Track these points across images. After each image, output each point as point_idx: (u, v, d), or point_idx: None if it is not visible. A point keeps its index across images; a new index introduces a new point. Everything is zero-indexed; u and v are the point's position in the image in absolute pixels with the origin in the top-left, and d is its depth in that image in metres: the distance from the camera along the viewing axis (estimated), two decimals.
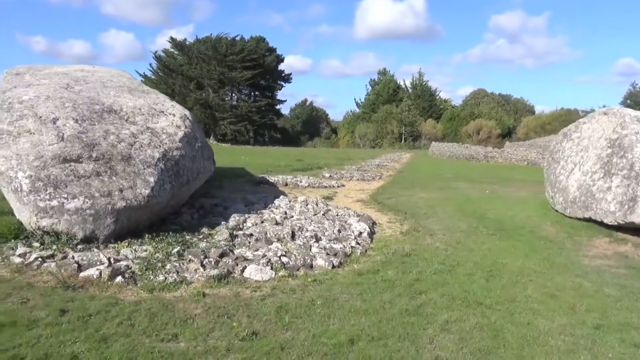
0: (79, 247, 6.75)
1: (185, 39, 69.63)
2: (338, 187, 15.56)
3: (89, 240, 6.90)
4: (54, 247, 6.58)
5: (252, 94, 73.77)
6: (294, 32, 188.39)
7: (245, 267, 6.25)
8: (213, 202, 10.34)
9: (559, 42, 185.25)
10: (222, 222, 8.64)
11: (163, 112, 9.67)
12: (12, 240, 6.73)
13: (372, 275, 6.12)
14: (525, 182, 19.21)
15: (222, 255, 6.71)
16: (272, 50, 73.68)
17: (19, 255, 6.18)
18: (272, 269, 6.35)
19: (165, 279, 5.79)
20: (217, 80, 66.63)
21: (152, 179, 7.62)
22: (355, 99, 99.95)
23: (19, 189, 6.76)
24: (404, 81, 79.19)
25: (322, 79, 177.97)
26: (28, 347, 3.63)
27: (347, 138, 72.38)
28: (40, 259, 6.08)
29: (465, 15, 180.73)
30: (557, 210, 10.61)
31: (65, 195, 6.76)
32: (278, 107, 76.22)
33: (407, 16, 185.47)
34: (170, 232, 7.69)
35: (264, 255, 6.82)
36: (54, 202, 6.66)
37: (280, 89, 76.22)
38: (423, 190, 14.45)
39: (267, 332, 4.16)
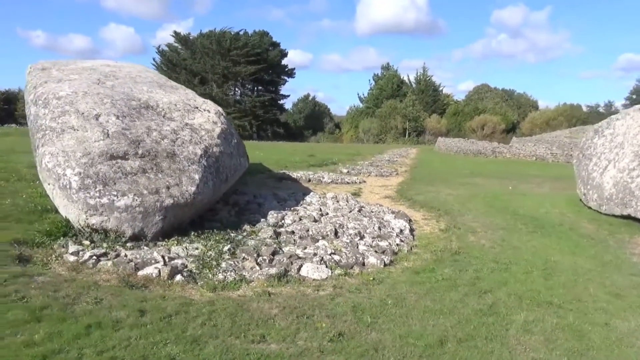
0: (129, 244, 6.70)
1: (189, 33, 69.51)
2: (360, 183, 15.50)
3: (137, 238, 6.85)
4: (105, 245, 6.52)
5: (256, 88, 73.58)
6: (295, 26, 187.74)
7: (301, 266, 6.19)
8: (245, 199, 10.28)
9: (561, 37, 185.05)
10: (262, 219, 8.57)
11: (197, 107, 9.59)
12: (61, 238, 6.66)
13: (430, 273, 6.07)
14: (543, 178, 19.17)
15: (274, 254, 6.66)
16: (275, 44, 73.42)
17: (72, 254, 6.13)
18: (326, 267, 6.30)
19: (225, 277, 5.74)
20: (221, 74, 66.42)
21: (197, 176, 7.55)
22: (358, 94, 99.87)
23: (67, 186, 6.69)
24: (408, 76, 79.10)
25: (322, 73, 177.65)
26: (122, 348, 3.58)
27: (351, 133, 72.23)
28: (94, 258, 6.02)
29: (467, 10, 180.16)
30: (590, 207, 10.57)
31: (115, 193, 6.70)
32: (281, 102, 76.09)
33: (409, 11, 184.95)
34: (215, 230, 7.65)
35: (315, 254, 6.77)
36: (104, 200, 6.60)
37: (283, 84, 76.12)
38: (446, 187, 14.39)
39: (353, 333, 4.11)
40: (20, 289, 4.70)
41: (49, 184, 7.26)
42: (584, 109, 73.71)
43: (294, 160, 21.91)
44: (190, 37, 69.33)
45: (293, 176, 14.98)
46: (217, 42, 66.57)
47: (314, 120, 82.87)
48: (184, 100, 9.71)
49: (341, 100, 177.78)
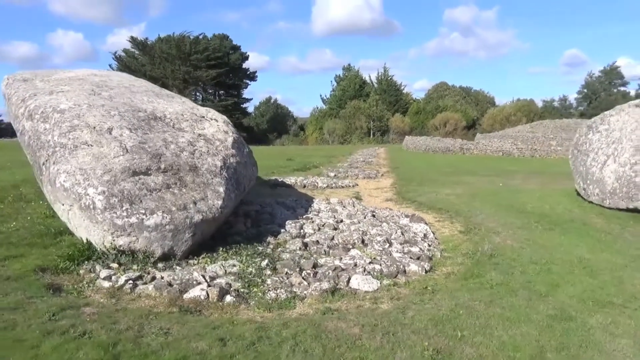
0: (160, 265, 6.35)
1: (146, 38, 67.70)
2: (353, 186, 15.41)
3: (166, 258, 6.50)
4: (135, 267, 6.16)
5: (218, 93, 72.51)
6: (251, 29, 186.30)
7: (349, 278, 6.01)
8: (254, 209, 9.97)
9: (509, 34, 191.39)
10: (282, 230, 8.32)
11: (204, 117, 9.23)
12: (86, 262, 6.23)
13: (479, 279, 6.01)
14: (523, 173, 19.67)
15: (314, 266, 6.46)
16: (236, 48, 72.65)
17: (105, 279, 5.74)
18: (372, 277, 6.14)
19: (277, 295, 5.49)
20: (182, 80, 65.03)
21: (221, 189, 7.25)
22: (321, 95, 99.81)
23: (91, 206, 6.26)
24: (369, 76, 79.82)
25: (280, 75, 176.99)
26: None
27: (316, 135, 72.19)
28: (131, 282, 5.65)
29: (420, 9, 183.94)
30: (591, 202, 10.84)
31: (143, 211, 6.33)
32: (244, 105, 75.29)
33: (364, 11, 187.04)
34: (241, 244, 7.37)
35: (355, 264, 6.61)
36: (133, 219, 6.22)
37: (245, 88, 75.44)
38: (440, 187, 14.48)
39: (450, 349, 3.98)
40: (75, 323, 4.32)
41: (63, 205, 6.79)
42: (540, 103, 76.48)
43: (275, 164, 21.60)
44: (148, 42, 67.54)
45: (287, 182, 14.72)
46: (176, 46, 65.17)
47: (277, 123, 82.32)
48: (189, 110, 9.33)
49: (300, 102, 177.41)
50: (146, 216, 6.29)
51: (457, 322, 4.56)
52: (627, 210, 9.68)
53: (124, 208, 6.28)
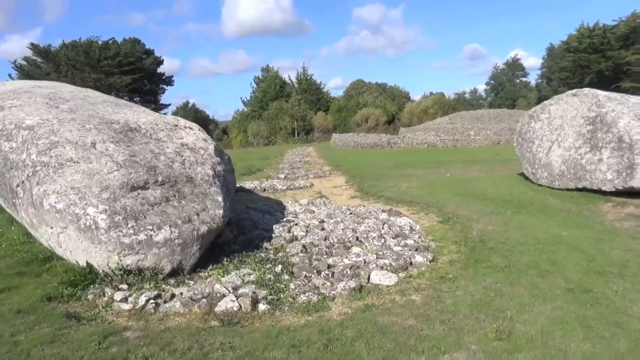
0: (172, 281, 6.14)
1: (49, 45, 63.11)
2: (310, 186, 15.55)
3: (175, 273, 6.30)
4: (146, 285, 5.91)
5: (134, 100, 69.23)
6: (159, 32, 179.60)
7: (369, 275, 6.17)
8: (232, 216, 9.81)
9: (415, 31, 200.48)
10: (272, 235, 8.29)
11: (177, 125, 8.95)
12: (91, 286, 5.88)
13: (484, 263, 6.39)
14: (460, 162, 20.82)
15: (329, 267, 6.54)
16: (149, 52, 69.82)
17: (122, 301, 5.47)
18: (388, 271, 6.35)
19: (308, 299, 5.53)
20: (93, 87, 61.08)
21: (219, 198, 7.11)
22: (241, 98, 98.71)
23: (92, 226, 5.92)
24: (289, 76, 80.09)
25: (192, 79, 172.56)
26: None
27: (240, 137, 71.33)
28: (152, 302, 5.43)
29: (329, 8, 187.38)
30: (541, 185, 11.81)
31: (150, 227, 6.08)
32: (163, 111, 72.45)
33: (274, 12, 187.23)
34: (243, 252, 7.29)
35: (365, 261, 6.77)
36: (141, 236, 5.96)
37: (162, 93, 72.79)
38: (395, 180, 14.99)
39: (507, 329, 4.25)
40: (129, 349, 4.12)
41: (51, 228, 6.34)
42: (452, 96, 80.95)
43: None
44: (52, 49, 63.07)
45: (245, 187, 14.55)
46: (84, 52, 61.44)
47: None
48: (159, 119, 9.00)
49: (215, 105, 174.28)
50: (154, 232, 6.05)
51: (496, 304, 4.88)
52: (576, 189, 10.67)
53: (129, 225, 5.99)
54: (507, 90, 79.55)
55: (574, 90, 11.71)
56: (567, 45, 59.19)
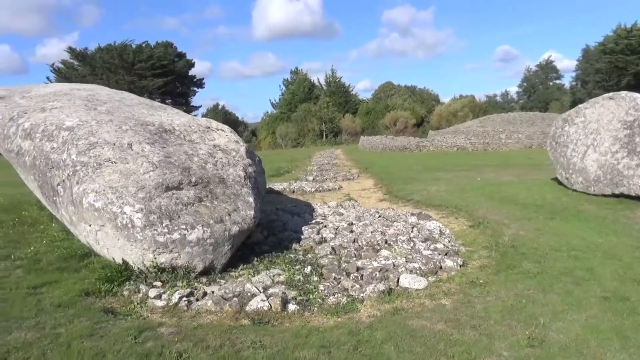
0: (204, 280, 6.27)
1: (85, 48, 65.04)
2: (338, 188, 15.60)
3: (206, 272, 6.43)
4: (179, 283, 6.04)
5: (166, 102, 70.64)
6: (191, 35, 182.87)
7: (398, 278, 6.17)
8: (263, 217, 9.93)
9: (445, 33, 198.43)
10: (301, 237, 8.37)
11: (209, 127, 9.12)
12: (127, 283, 6.06)
13: (515, 269, 6.30)
14: (491, 166, 20.51)
15: (358, 269, 6.56)
16: (181, 55, 71.16)
17: (155, 298, 5.62)
18: (418, 275, 6.33)
19: (338, 300, 5.57)
20: (127, 90, 62.64)
21: (251, 199, 7.22)
22: (270, 100, 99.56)
23: (129, 225, 6.09)
24: (318, 79, 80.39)
25: (222, 82, 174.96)
26: None
27: (269, 139, 71.91)
28: (185, 299, 5.56)
29: (359, 10, 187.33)
30: (575, 190, 11.54)
31: (184, 226, 6.23)
32: (194, 113, 73.68)
33: (304, 15, 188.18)
34: (272, 253, 7.38)
35: (394, 265, 6.76)
36: (175, 235, 6.11)
37: (193, 95, 74.05)
38: (424, 184, 14.88)
39: (540, 335, 4.20)
40: (164, 344, 4.24)
41: (90, 225, 6.56)
42: (483, 98, 79.78)
43: None
44: (88, 52, 64.94)
45: (275, 189, 14.70)
46: (118, 56, 63.06)
47: None
48: (192, 121, 9.19)
49: (244, 107, 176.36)
50: (187, 231, 6.20)
51: (528, 311, 4.82)
52: (613, 195, 10.40)
53: (164, 224, 6.15)
54: (540, 93, 77.93)
55: (611, 94, 11.42)
56: (603, 46, 57.51)
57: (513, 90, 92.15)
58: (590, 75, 61.46)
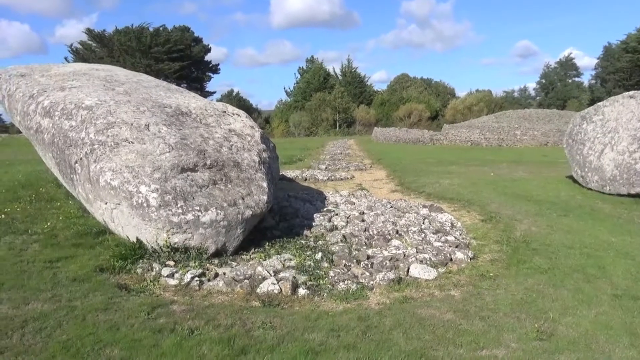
0: (215, 261, 6.35)
1: (104, 30, 65.46)
2: (350, 178, 15.62)
3: (219, 254, 6.50)
4: (191, 263, 6.12)
5: (181, 86, 70.93)
6: (209, 20, 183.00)
7: (409, 267, 6.19)
8: (275, 203, 9.99)
9: (464, 26, 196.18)
10: (313, 224, 8.41)
11: (225, 112, 9.16)
12: (140, 261, 6.16)
13: (526, 264, 6.28)
14: (506, 162, 20.37)
15: (368, 257, 6.60)
16: (198, 40, 71.40)
17: (168, 277, 5.71)
18: (428, 266, 6.34)
19: (347, 287, 5.61)
20: (144, 72, 63.20)
21: (264, 184, 7.27)
22: (284, 88, 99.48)
23: (144, 204, 6.18)
24: (334, 68, 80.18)
25: (237, 68, 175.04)
26: None
27: (282, 127, 71.96)
28: (197, 279, 5.64)
29: (378, 1, 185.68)
30: (590, 188, 11.44)
31: (198, 208, 6.30)
32: (209, 98, 73.84)
33: (323, 3, 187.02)
34: (284, 238, 7.44)
35: (404, 254, 6.78)
36: (189, 216, 6.18)
37: (208, 81, 74.30)
38: (437, 177, 14.84)
39: (549, 329, 4.21)
40: (176, 321, 4.33)
41: (106, 203, 6.66)
42: (500, 93, 78.95)
43: None
44: (106, 34, 65.33)
45: (287, 176, 14.76)
46: (136, 38, 63.46)
47: None
48: (208, 105, 9.24)
49: (258, 94, 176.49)
50: (201, 213, 6.27)
51: (537, 305, 4.82)
52: (629, 195, 10.30)
53: (178, 205, 6.23)
54: (558, 90, 76.88)
55: (631, 92, 11.27)
56: (625, 45, 56.58)
57: (531, 86, 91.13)
58: (611, 74, 60.56)
